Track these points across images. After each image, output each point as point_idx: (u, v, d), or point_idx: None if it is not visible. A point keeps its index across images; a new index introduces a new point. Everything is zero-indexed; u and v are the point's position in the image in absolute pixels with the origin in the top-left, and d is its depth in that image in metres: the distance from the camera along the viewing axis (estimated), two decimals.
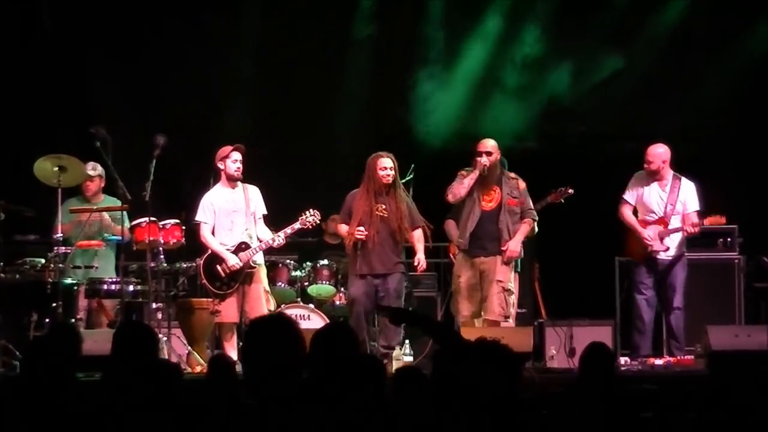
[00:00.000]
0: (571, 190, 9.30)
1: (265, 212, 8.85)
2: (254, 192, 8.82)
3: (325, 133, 11.39)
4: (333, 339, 4.17)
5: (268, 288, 8.82)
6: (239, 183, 8.79)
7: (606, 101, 11.13)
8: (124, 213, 8.99)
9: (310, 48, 11.29)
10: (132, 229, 8.93)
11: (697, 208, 9.09)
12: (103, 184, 9.42)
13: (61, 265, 8.73)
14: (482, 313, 8.62)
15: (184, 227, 9.04)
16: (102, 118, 9.63)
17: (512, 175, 8.81)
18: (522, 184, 8.78)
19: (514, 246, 8.63)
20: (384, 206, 8.67)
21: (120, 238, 9.07)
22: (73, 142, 9.73)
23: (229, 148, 8.73)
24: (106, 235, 9.27)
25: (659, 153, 9.06)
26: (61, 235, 8.80)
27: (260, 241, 8.71)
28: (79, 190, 9.41)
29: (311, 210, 8.79)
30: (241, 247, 8.65)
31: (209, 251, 8.74)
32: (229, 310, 8.63)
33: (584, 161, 10.88)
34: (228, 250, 8.68)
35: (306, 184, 10.95)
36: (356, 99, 11.35)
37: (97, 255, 9.28)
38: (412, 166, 9.53)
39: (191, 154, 10.28)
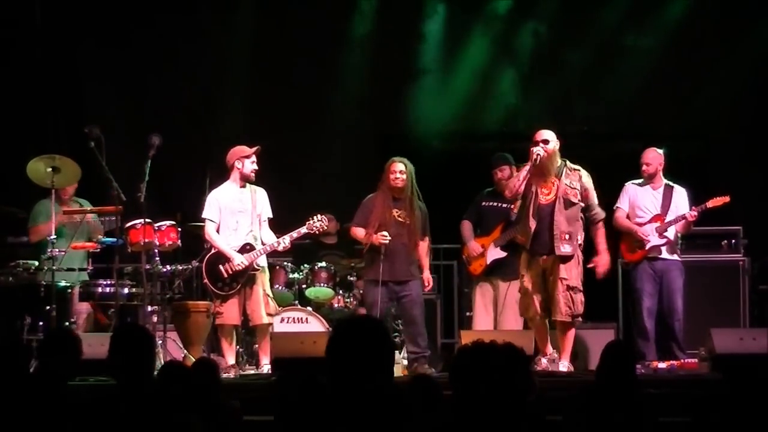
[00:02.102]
0: None
1: (271, 215, 8.74)
2: (261, 194, 8.72)
3: (323, 133, 11.30)
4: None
5: (270, 292, 8.71)
6: (247, 184, 8.68)
7: (608, 100, 11.04)
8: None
9: (306, 45, 11.19)
10: (126, 231, 8.82)
11: (688, 210, 9.02)
12: (76, 185, 9.33)
13: (54, 268, 8.60)
14: (553, 314, 8.26)
15: (179, 229, 8.94)
16: (95, 117, 9.54)
17: (575, 166, 8.38)
18: (585, 175, 8.32)
19: (604, 262, 8.36)
20: (403, 212, 8.68)
21: (115, 240, 8.95)
22: (66, 142, 9.64)
23: (250, 148, 8.61)
24: (100, 237, 9.14)
25: (655, 156, 9.04)
26: (55, 237, 8.67)
27: (264, 244, 8.61)
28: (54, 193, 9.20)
29: (319, 215, 8.70)
30: (245, 249, 8.54)
31: (212, 250, 8.62)
32: (230, 312, 8.50)
33: (586, 161, 10.78)
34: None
35: (302, 184, 10.87)
36: (355, 98, 11.27)
37: (87, 258, 9.18)
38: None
39: (186, 154, 10.18)
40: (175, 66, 11.11)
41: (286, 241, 8.59)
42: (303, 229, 8.64)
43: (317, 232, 8.80)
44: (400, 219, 8.69)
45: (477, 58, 11.34)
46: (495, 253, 9.04)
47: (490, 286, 9.13)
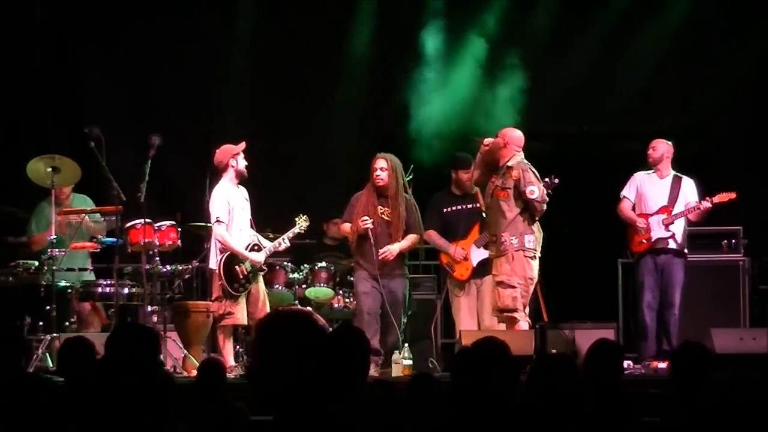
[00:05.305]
0: (557, 180, 8.99)
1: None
2: (246, 194, 8.74)
3: (323, 133, 11.29)
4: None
5: (264, 290, 8.75)
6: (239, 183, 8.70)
7: (609, 99, 11.04)
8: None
9: (307, 46, 11.17)
10: (127, 231, 8.83)
11: (696, 200, 9.01)
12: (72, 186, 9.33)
13: (54, 268, 8.60)
14: None
15: (179, 229, 8.94)
16: (95, 117, 9.54)
17: (511, 163, 8.39)
18: (515, 171, 8.32)
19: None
20: (387, 209, 8.63)
21: (115, 240, 8.96)
22: (66, 142, 9.64)
23: (240, 145, 8.60)
24: (100, 237, 9.14)
25: (661, 143, 9.08)
26: (55, 237, 8.67)
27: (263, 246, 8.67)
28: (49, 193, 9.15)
29: (301, 215, 8.80)
30: (254, 248, 8.56)
31: (227, 252, 8.53)
32: (241, 312, 8.52)
33: (587, 161, 10.80)
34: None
35: (303, 185, 10.86)
36: (355, 98, 11.26)
37: (89, 257, 9.18)
38: (411, 166, 9.42)
39: (186, 154, 10.17)
40: (175, 66, 11.09)
41: (286, 240, 8.67)
42: (296, 229, 8.73)
43: (304, 231, 8.87)
44: (384, 217, 8.67)
45: (477, 58, 11.33)
46: (479, 254, 8.98)
47: (475, 287, 9.10)
